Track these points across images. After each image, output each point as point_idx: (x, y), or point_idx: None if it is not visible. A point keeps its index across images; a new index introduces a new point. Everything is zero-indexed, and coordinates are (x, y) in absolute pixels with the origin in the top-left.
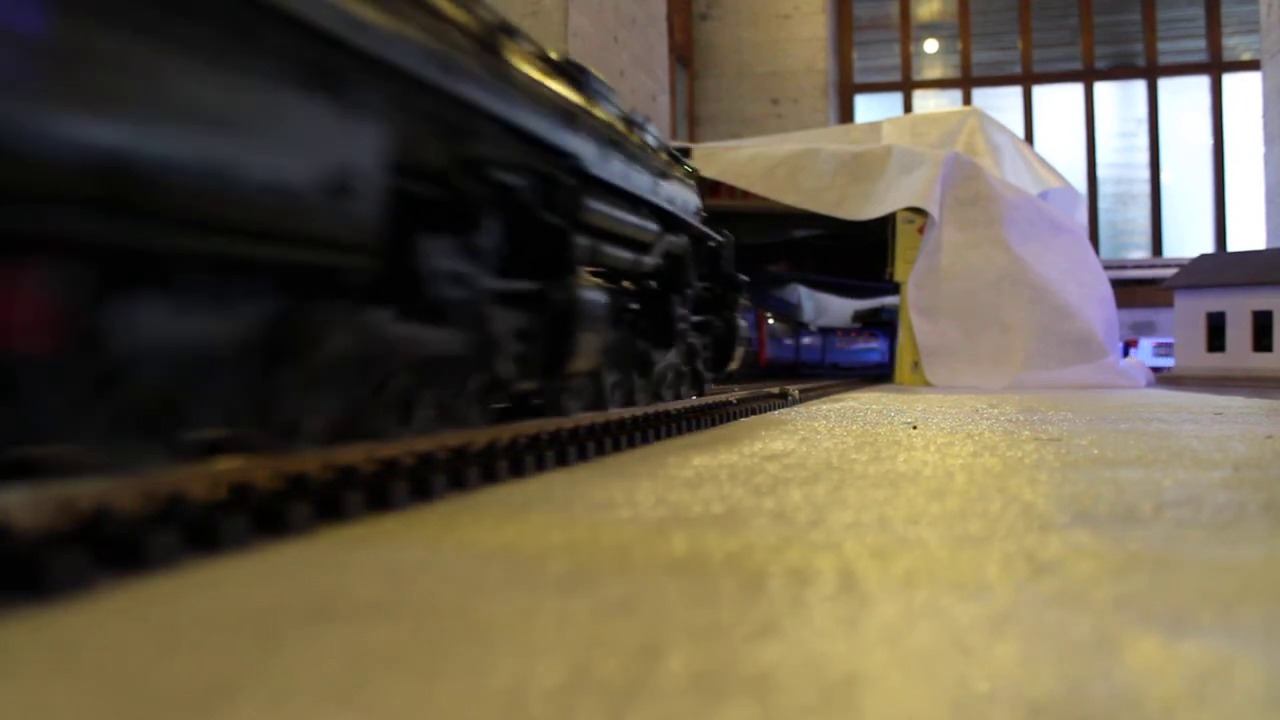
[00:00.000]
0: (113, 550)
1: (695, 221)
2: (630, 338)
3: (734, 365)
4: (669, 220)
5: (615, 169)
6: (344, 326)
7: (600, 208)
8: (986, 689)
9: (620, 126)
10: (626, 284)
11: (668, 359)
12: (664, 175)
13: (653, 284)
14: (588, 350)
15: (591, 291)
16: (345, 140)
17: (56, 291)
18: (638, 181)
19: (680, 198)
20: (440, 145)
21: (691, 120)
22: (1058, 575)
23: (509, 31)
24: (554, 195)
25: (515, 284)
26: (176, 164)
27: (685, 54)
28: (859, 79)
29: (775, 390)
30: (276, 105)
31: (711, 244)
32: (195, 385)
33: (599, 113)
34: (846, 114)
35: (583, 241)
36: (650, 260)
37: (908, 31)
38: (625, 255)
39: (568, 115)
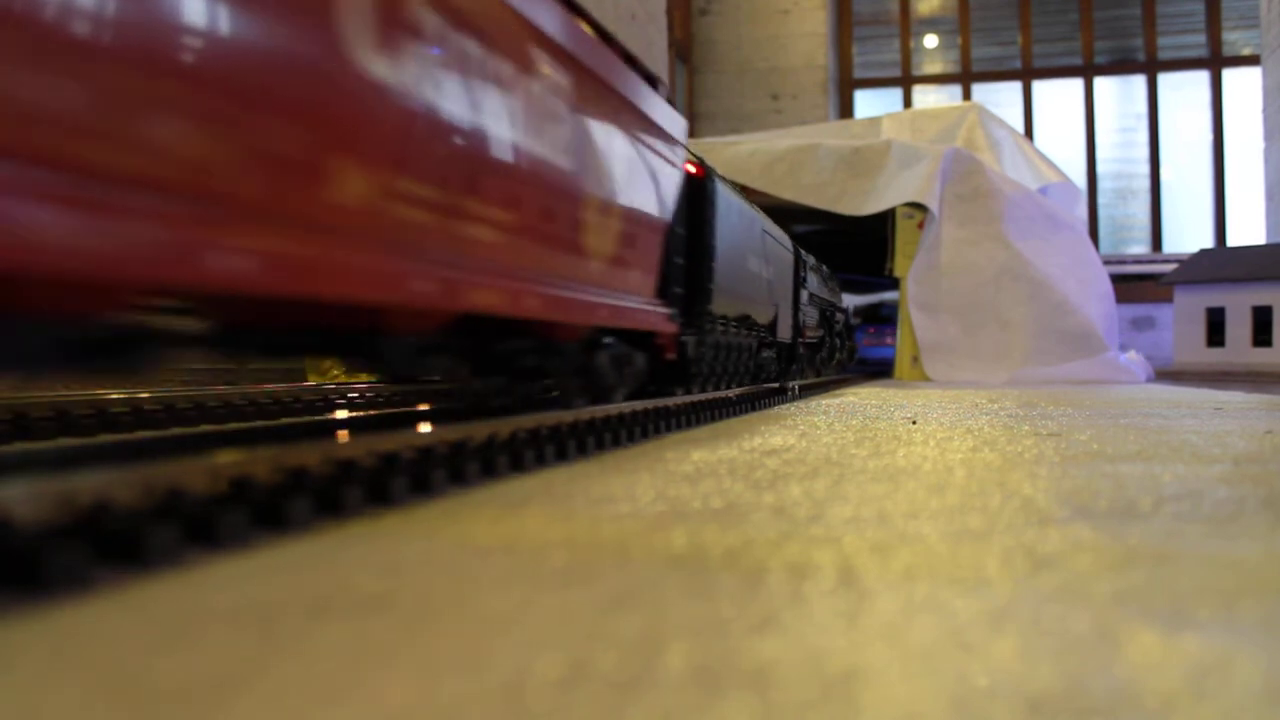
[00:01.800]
0: (112, 545)
1: (841, 304)
2: (837, 345)
3: (854, 359)
4: (841, 308)
5: (838, 302)
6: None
7: (837, 316)
8: (986, 684)
9: (827, 277)
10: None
11: (841, 352)
12: (838, 291)
13: (838, 323)
14: (833, 350)
15: (831, 337)
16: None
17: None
18: (836, 300)
19: (837, 293)
20: (826, 310)
21: (691, 116)
22: (1057, 570)
23: (833, 275)
24: (833, 311)
25: (817, 333)
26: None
27: (685, 49)
28: (859, 74)
29: (774, 385)
30: (829, 319)
31: (845, 310)
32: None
33: (825, 280)
34: (846, 109)
35: (834, 322)
36: (841, 324)
37: (907, 26)
38: (840, 324)
39: (835, 288)
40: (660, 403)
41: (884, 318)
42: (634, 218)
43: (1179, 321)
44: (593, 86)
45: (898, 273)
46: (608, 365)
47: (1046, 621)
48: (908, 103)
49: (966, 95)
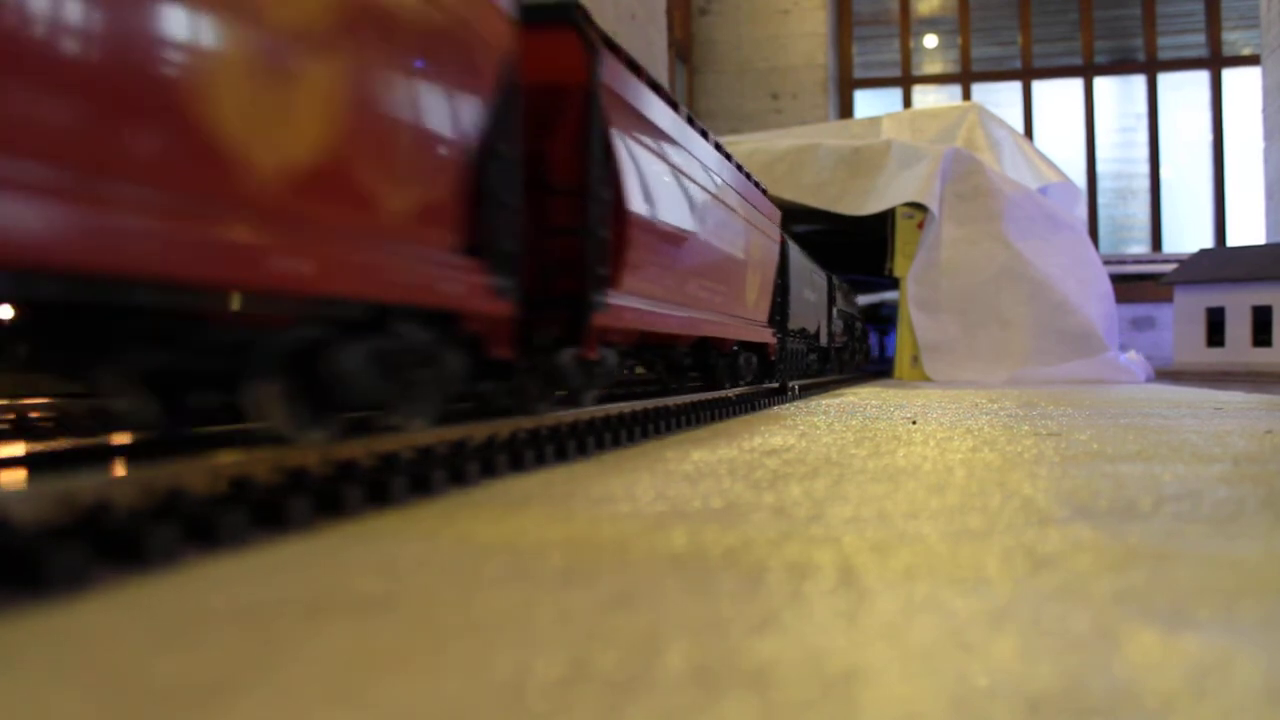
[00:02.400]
0: (113, 545)
1: (859, 314)
2: (856, 347)
3: (869, 359)
4: (859, 318)
5: (856, 312)
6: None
7: (856, 324)
8: (986, 684)
9: (847, 292)
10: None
11: (859, 354)
12: (856, 303)
13: (857, 329)
14: (854, 352)
15: (853, 341)
16: (850, 325)
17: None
18: (855, 311)
19: (855, 305)
20: (848, 319)
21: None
22: (1057, 570)
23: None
24: (854, 321)
25: (844, 338)
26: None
27: (685, 49)
28: (859, 74)
29: (774, 384)
30: (851, 327)
31: (861, 318)
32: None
33: (847, 295)
34: (846, 109)
35: (854, 329)
36: (860, 330)
37: (907, 26)
38: (859, 330)
39: (853, 301)
40: (660, 402)
41: (884, 318)
42: (764, 275)
43: (1179, 321)
44: (760, 214)
45: (898, 272)
46: (742, 364)
47: (1046, 621)
48: (907, 102)
49: (966, 95)
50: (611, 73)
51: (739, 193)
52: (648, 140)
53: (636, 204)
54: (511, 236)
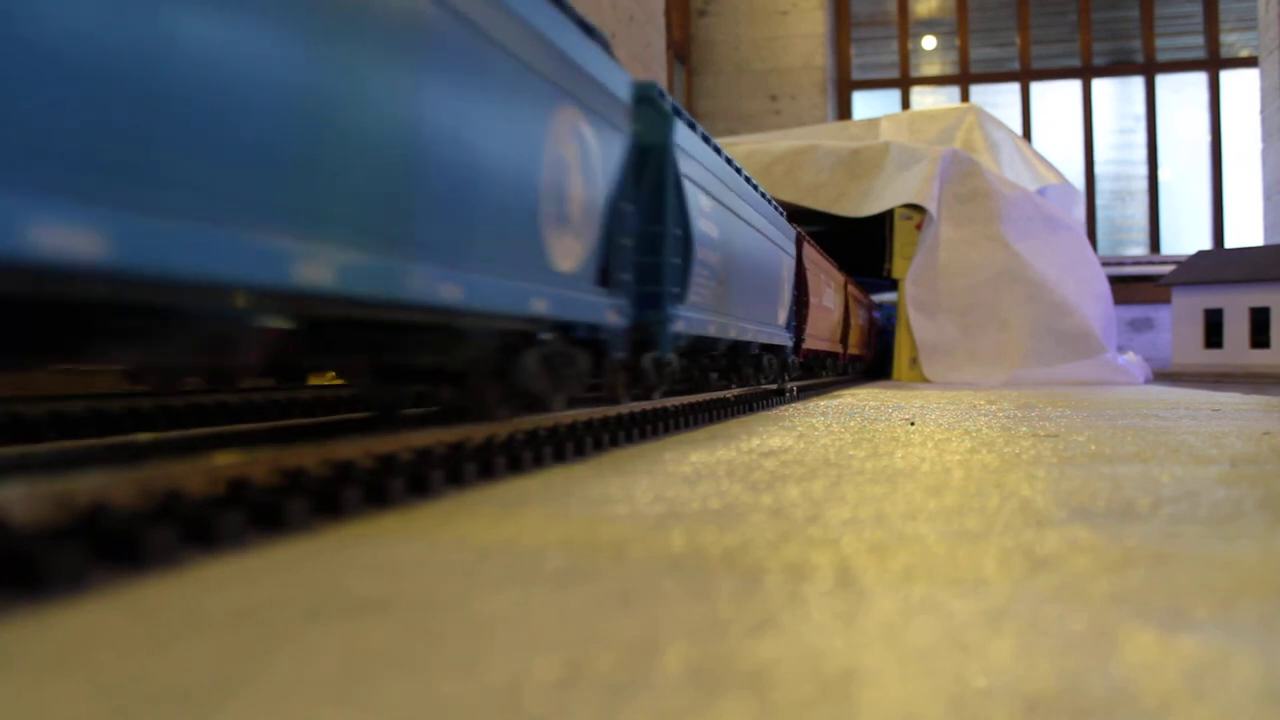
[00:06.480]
0: (111, 546)
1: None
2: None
3: None
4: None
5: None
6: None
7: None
8: (984, 684)
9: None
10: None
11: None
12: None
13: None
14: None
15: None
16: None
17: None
18: (889, 322)
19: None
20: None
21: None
22: (1055, 570)
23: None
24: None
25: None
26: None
27: (683, 50)
28: (857, 75)
29: (773, 386)
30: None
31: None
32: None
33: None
34: (844, 110)
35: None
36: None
37: (906, 28)
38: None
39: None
40: (659, 404)
41: None
42: (844, 316)
43: (1177, 323)
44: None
45: (896, 274)
46: (831, 366)
47: (1044, 622)
48: (906, 104)
49: (965, 97)
50: (807, 249)
51: (852, 285)
52: (823, 275)
53: (816, 298)
54: (793, 318)
